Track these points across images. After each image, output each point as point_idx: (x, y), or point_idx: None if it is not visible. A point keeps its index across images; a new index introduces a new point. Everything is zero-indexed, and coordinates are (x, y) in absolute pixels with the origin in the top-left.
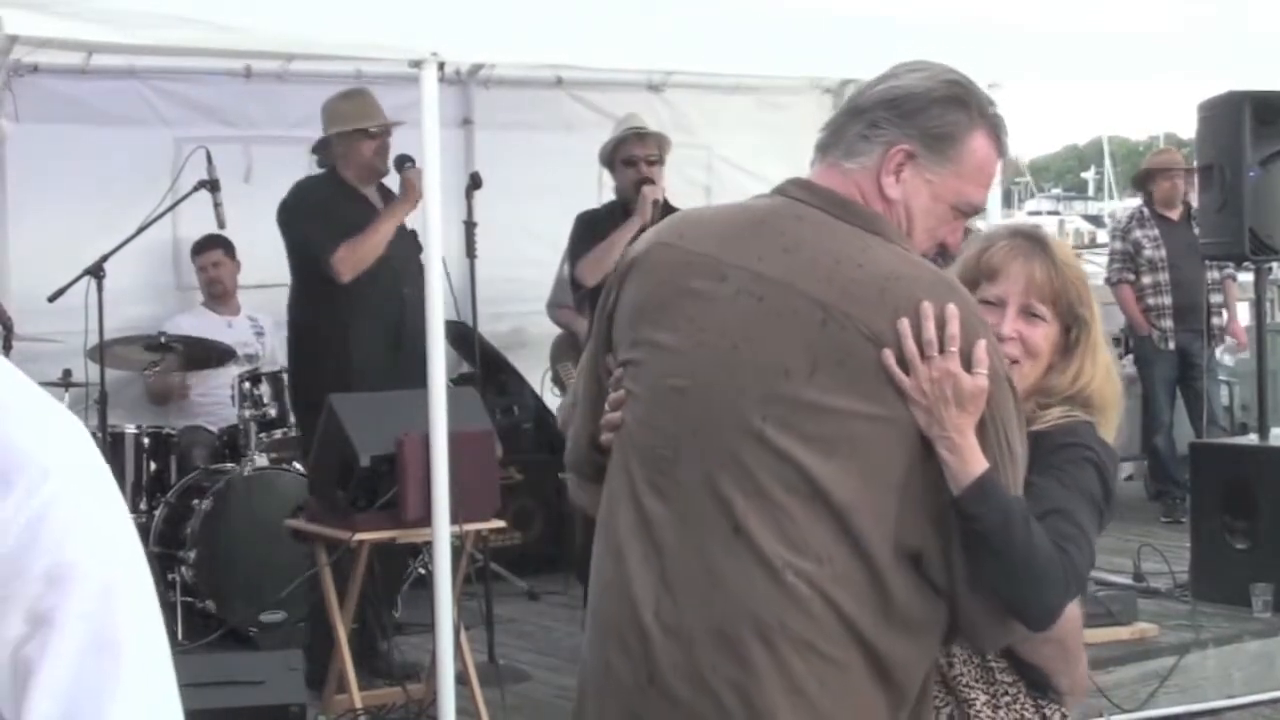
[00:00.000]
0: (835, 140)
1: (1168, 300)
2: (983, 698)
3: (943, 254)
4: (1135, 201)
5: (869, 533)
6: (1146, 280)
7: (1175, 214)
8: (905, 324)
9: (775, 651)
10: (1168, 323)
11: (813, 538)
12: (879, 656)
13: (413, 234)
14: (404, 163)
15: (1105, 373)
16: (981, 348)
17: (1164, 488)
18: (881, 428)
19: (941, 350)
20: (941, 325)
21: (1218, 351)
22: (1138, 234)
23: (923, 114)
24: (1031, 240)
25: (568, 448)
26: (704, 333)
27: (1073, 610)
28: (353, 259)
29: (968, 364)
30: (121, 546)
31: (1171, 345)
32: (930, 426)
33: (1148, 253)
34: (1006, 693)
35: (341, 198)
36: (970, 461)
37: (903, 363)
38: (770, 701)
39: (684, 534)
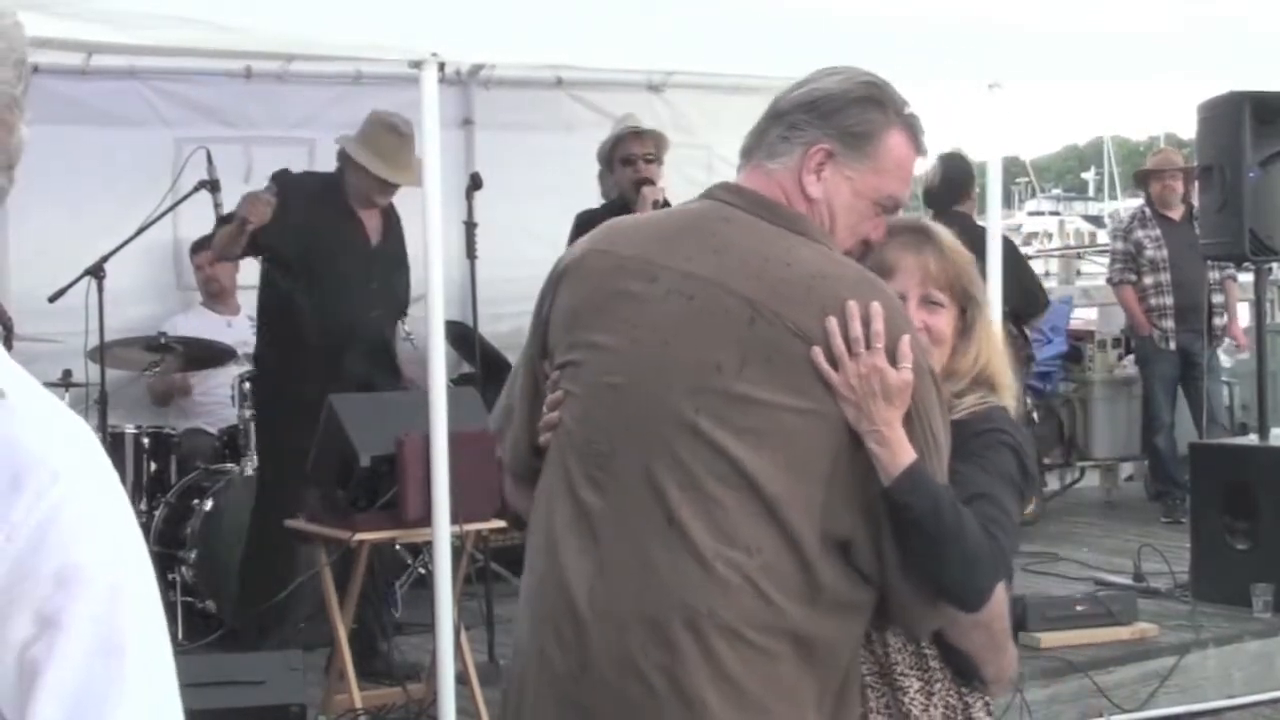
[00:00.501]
0: (757, 144)
1: (1169, 300)
2: (916, 684)
3: (867, 250)
4: (1135, 201)
5: (798, 523)
6: (1148, 280)
7: (1177, 214)
8: (833, 322)
9: (703, 639)
10: (1169, 323)
11: (743, 528)
12: (806, 641)
13: (393, 258)
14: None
15: (999, 348)
16: (905, 343)
17: (1164, 488)
18: (810, 421)
19: (868, 347)
20: (867, 323)
21: (1219, 351)
22: (1139, 234)
23: (840, 114)
24: (918, 233)
25: (505, 452)
26: (637, 331)
27: (998, 596)
28: (218, 248)
29: (893, 359)
30: (128, 549)
31: (1173, 345)
32: (859, 421)
33: (1149, 253)
34: (938, 679)
35: (331, 205)
36: (899, 453)
37: (832, 360)
38: (698, 687)
39: (620, 525)
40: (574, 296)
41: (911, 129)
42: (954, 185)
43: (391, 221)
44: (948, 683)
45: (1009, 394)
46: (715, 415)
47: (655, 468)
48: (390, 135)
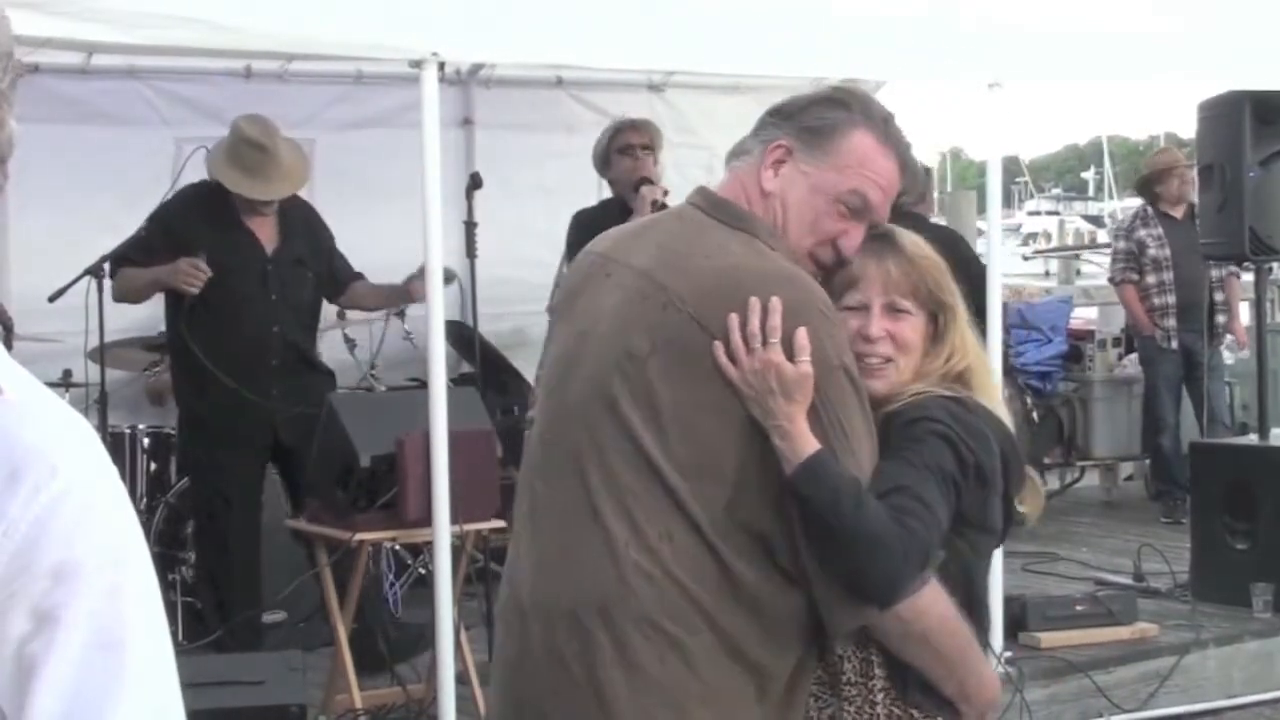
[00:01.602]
0: (736, 150)
1: (1172, 299)
2: (861, 692)
3: (840, 259)
4: (1136, 201)
5: (703, 515)
6: (1151, 279)
7: (1179, 212)
8: (733, 318)
9: (615, 629)
10: (1171, 322)
11: (655, 516)
12: (728, 636)
13: (293, 260)
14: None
15: (976, 348)
16: (802, 334)
17: (1166, 488)
18: (712, 414)
19: (765, 342)
20: (766, 318)
21: (1221, 350)
22: (1141, 233)
23: (801, 113)
24: (881, 240)
25: None
26: (584, 322)
27: (937, 610)
28: (120, 288)
29: (791, 353)
30: (128, 545)
31: (1175, 345)
32: (762, 417)
33: (1152, 252)
34: (881, 690)
35: (218, 215)
36: (800, 444)
37: (732, 355)
38: (609, 677)
39: (553, 515)
40: (559, 295)
41: (880, 131)
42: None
43: (290, 218)
44: (896, 696)
45: (985, 392)
46: (628, 401)
47: (581, 457)
48: (250, 150)
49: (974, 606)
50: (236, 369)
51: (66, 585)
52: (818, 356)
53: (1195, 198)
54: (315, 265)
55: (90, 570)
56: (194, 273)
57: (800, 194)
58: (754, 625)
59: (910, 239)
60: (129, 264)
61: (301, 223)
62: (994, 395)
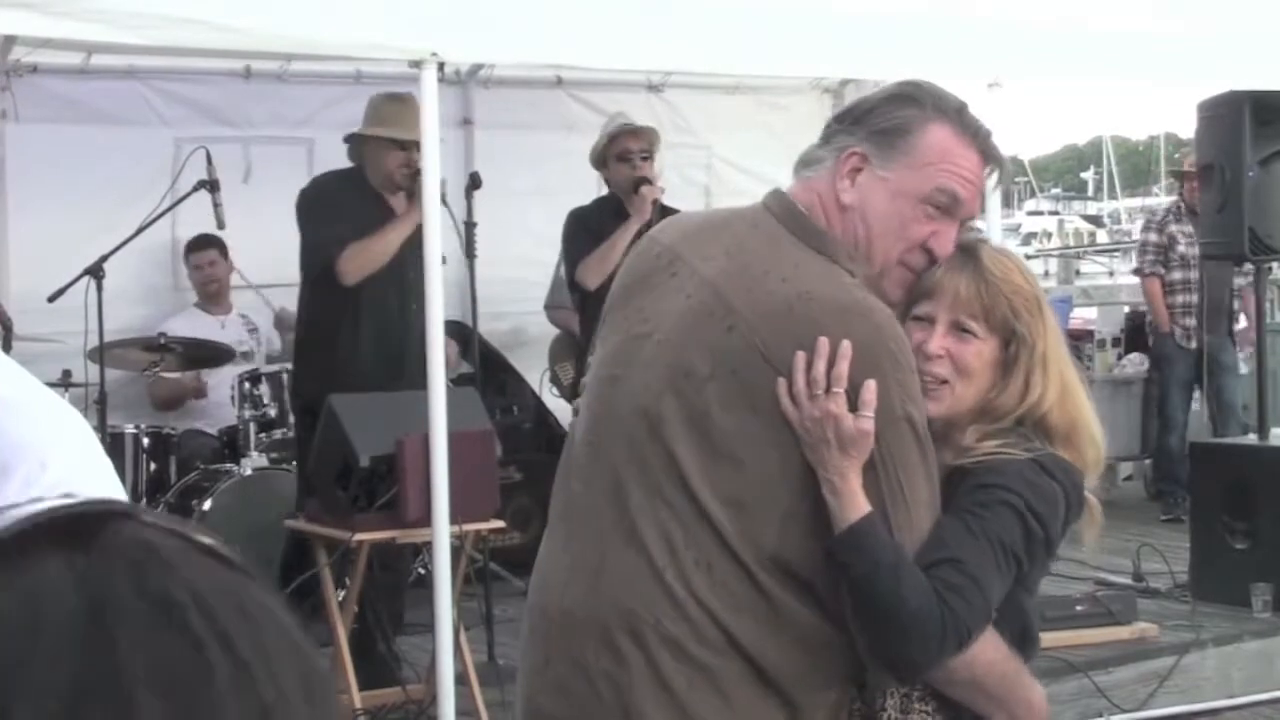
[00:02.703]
0: (804, 161)
1: (1195, 298)
2: None
3: (933, 262)
4: (1136, 201)
5: (745, 549)
6: (1177, 276)
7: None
8: (801, 358)
9: (646, 648)
10: (1191, 321)
11: (696, 541)
12: (762, 666)
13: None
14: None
15: (1062, 391)
16: (870, 389)
17: (1168, 487)
18: (767, 448)
19: (829, 389)
20: (834, 361)
21: (1237, 352)
22: (1174, 228)
23: (871, 115)
24: (965, 253)
25: None
26: (645, 324)
27: (985, 656)
28: (358, 261)
29: (856, 403)
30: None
31: (1194, 344)
32: (816, 465)
33: (1181, 249)
34: None
35: (360, 198)
36: (848, 507)
37: (794, 397)
38: (639, 696)
39: (589, 522)
40: (619, 281)
41: (960, 125)
42: None
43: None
44: None
45: (1072, 445)
46: (680, 422)
47: (624, 467)
48: (390, 103)
49: (1026, 641)
50: (376, 352)
51: None
52: (882, 405)
53: None
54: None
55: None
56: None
57: (882, 202)
58: (791, 655)
59: (995, 257)
60: (353, 242)
61: None
62: (1087, 453)
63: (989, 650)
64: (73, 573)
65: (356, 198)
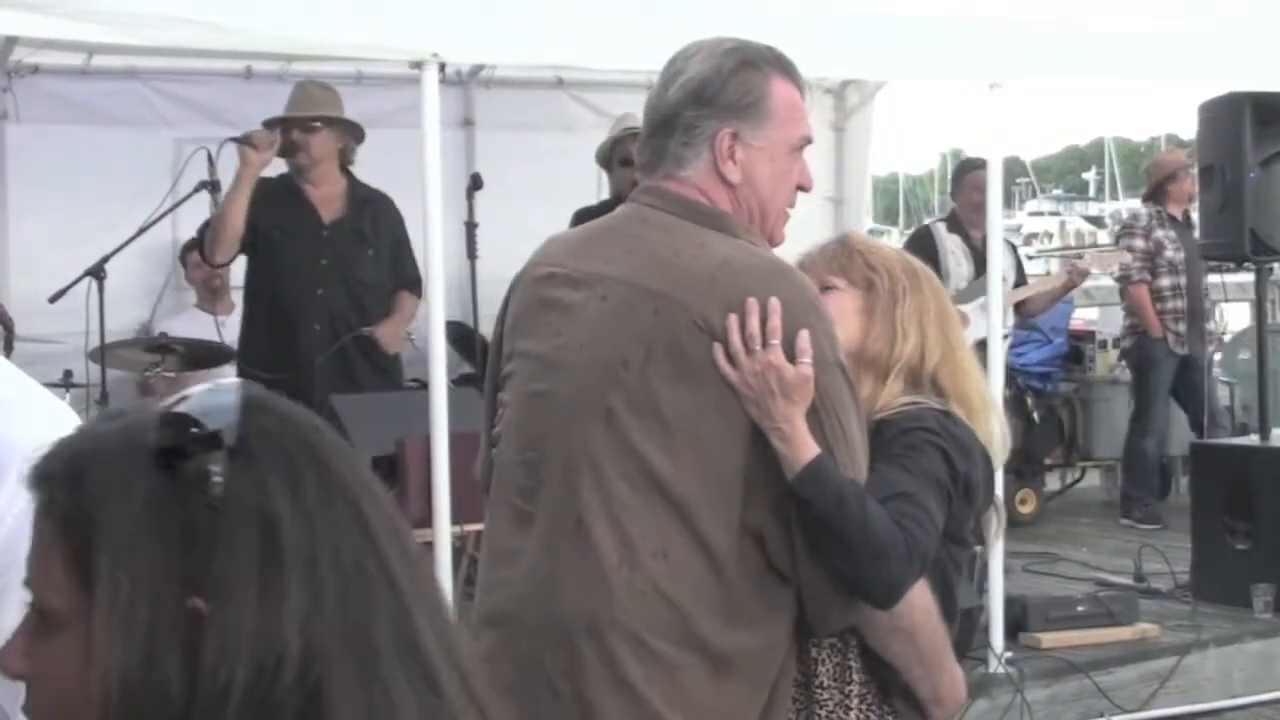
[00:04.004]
0: (659, 159)
1: (1183, 303)
2: (836, 698)
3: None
4: (1137, 202)
5: (708, 522)
6: (1165, 282)
7: (1180, 214)
8: (733, 319)
9: (605, 646)
10: (1183, 327)
11: (651, 532)
12: (717, 653)
13: (350, 235)
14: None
15: (951, 362)
16: (804, 337)
17: (1136, 494)
18: (713, 416)
19: (765, 343)
20: (765, 318)
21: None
22: (1159, 234)
23: (722, 94)
24: (833, 237)
25: (478, 473)
26: (560, 337)
27: (923, 604)
28: (211, 241)
29: (792, 354)
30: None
31: (1184, 350)
32: (760, 418)
33: (1169, 254)
34: (857, 695)
35: (278, 189)
36: (800, 449)
37: (731, 356)
38: (596, 693)
39: (541, 531)
40: (514, 309)
41: (785, 69)
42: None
43: (358, 201)
44: (871, 699)
45: (981, 416)
46: (625, 413)
47: (572, 470)
48: (294, 91)
49: (949, 618)
50: (280, 329)
51: None
52: (816, 354)
53: (1193, 199)
54: (378, 244)
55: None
56: (262, 136)
57: (765, 168)
58: (748, 641)
59: (864, 238)
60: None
61: (371, 205)
62: (985, 414)
63: (926, 598)
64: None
65: (278, 189)
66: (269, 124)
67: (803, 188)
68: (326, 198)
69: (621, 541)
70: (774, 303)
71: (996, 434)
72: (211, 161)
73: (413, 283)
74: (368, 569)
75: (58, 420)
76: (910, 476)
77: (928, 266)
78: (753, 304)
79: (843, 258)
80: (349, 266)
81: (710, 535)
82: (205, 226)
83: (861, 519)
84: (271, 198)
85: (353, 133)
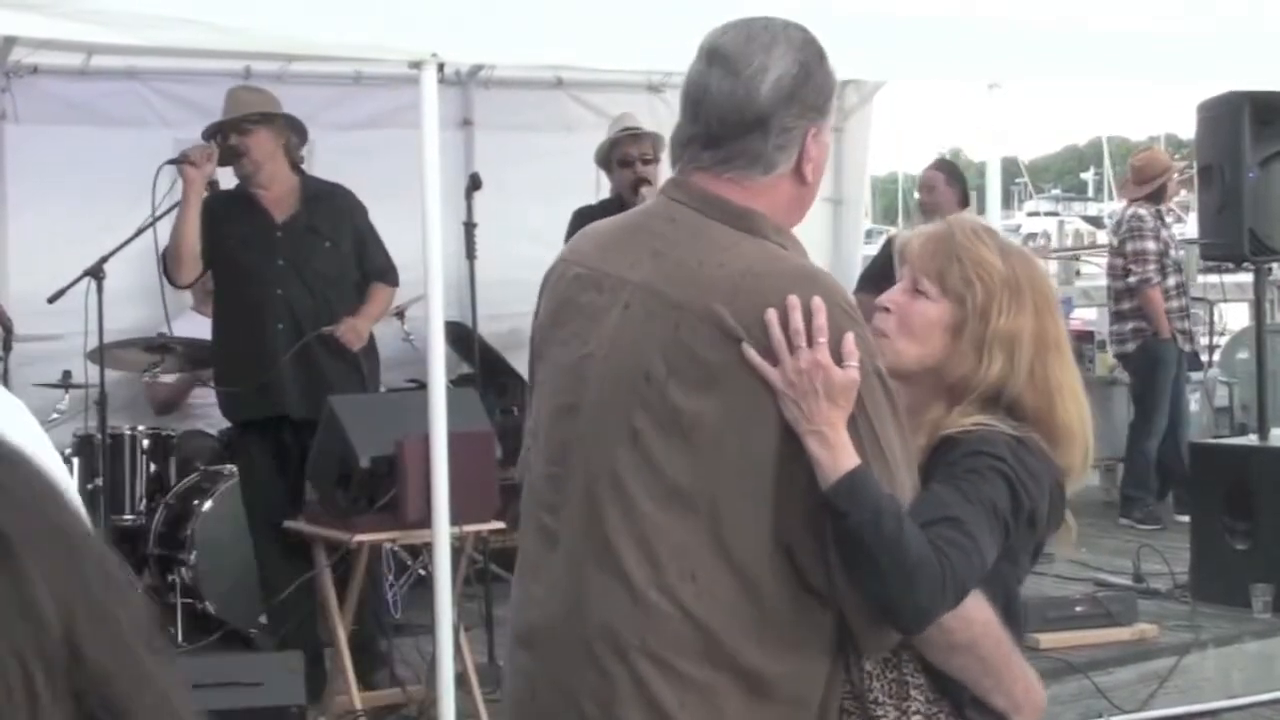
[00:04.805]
0: (739, 158)
1: (1185, 302)
2: (892, 715)
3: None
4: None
5: (739, 538)
6: (1171, 281)
7: (1165, 212)
8: (772, 314)
9: (633, 668)
10: (1187, 324)
11: (680, 552)
12: (753, 676)
13: (304, 232)
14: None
15: (1040, 382)
16: (850, 340)
17: (1136, 494)
18: (740, 426)
19: (810, 342)
20: (809, 317)
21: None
22: (1164, 234)
23: (811, 90)
24: (941, 223)
25: (519, 471)
26: (585, 346)
27: (981, 616)
28: (170, 264)
29: (837, 357)
30: (72, 535)
31: (1190, 348)
32: (799, 421)
33: (1173, 253)
34: (919, 711)
35: (230, 200)
36: (840, 457)
37: (767, 355)
38: (626, 711)
39: (565, 549)
40: (544, 311)
41: (816, 45)
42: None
43: (310, 197)
44: (941, 716)
45: (1064, 446)
46: (651, 430)
47: (596, 489)
48: (225, 98)
49: (1010, 618)
50: (246, 336)
51: None
52: (860, 363)
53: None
54: (335, 237)
55: None
56: (198, 151)
57: (822, 162)
58: (780, 657)
59: (971, 227)
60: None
61: (329, 199)
62: (1060, 440)
63: (984, 609)
64: None
65: (230, 200)
66: (206, 134)
67: None
68: (277, 198)
69: (649, 563)
70: (818, 301)
71: (1077, 466)
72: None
73: (383, 272)
74: None
75: (14, 423)
76: (965, 501)
77: (1043, 275)
78: (795, 300)
79: (943, 260)
80: (305, 263)
81: (742, 555)
82: (165, 251)
83: (896, 539)
84: (223, 209)
85: (293, 127)
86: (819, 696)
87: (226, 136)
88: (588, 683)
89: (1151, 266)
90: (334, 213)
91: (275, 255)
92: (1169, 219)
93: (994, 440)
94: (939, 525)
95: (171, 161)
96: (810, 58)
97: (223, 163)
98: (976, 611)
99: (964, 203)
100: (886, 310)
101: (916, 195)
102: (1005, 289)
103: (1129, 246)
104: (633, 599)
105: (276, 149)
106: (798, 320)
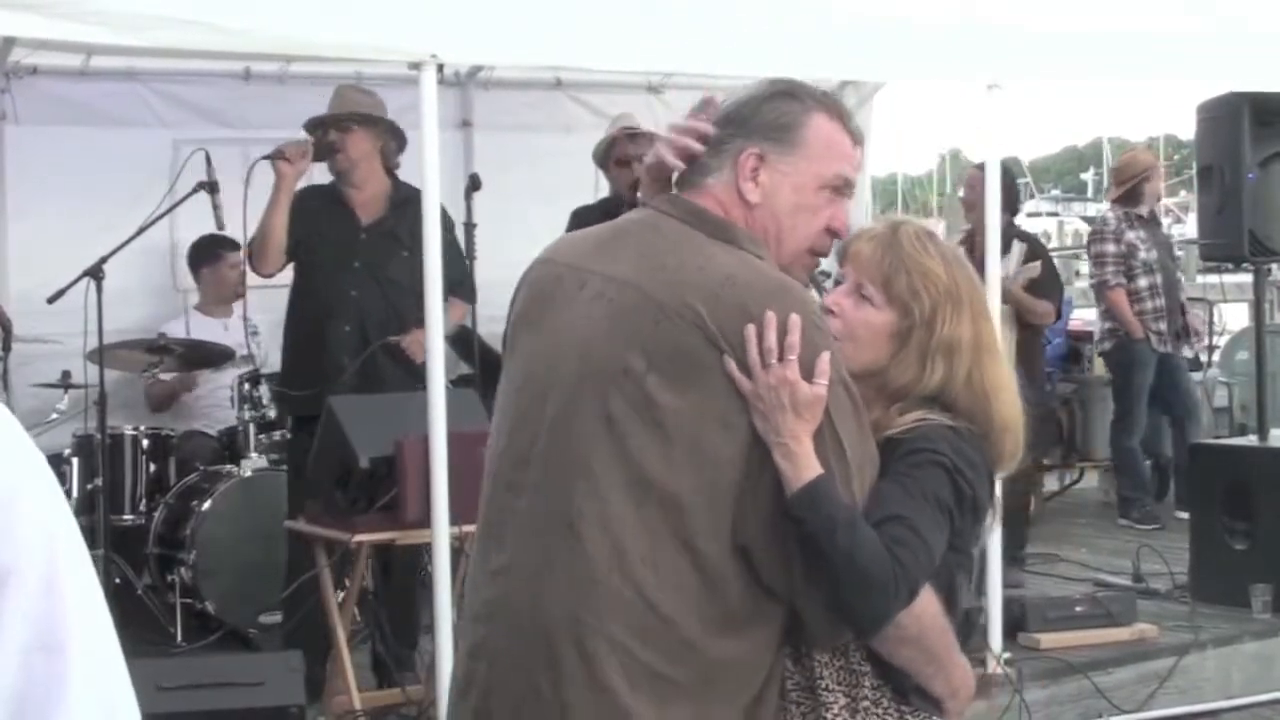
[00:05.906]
0: (690, 170)
1: (1162, 302)
2: (842, 700)
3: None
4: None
5: (702, 532)
6: (1143, 282)
7: (1146, 213)
8: (750, 330)
9: (587, 649)
10: (1163, 325)
11: (643, 541)
12: (705, 662)
13: (385, 236)
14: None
15: (976, 383)
16: (825, 359)
17: (1133, 495)
18: (714, 426)
19: (781, 358)
20: (784, 333)
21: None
22: (1130, 236)
23: (756, 115)
24: (887, 226)
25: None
26: (559, 335)
27: (930, 609)
28: (256, 254)
29: (809, 373)
30: (61, 541)
31: (1167, 348)
32: (767, 432)
33: (1142, 255)
34: (867, 697)
35: (318, 195)
36: (803, 468)
37: (744, 367)
38: (576, 696)
39: (528, 531)
40: (520, 306)
41: (832, 109)
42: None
43: (398, 202)
44: (885, 702)
45: (993, 437)
46: (623, 419)
47: (565, 473)
48: (333, 95)
49: (951, 605)
50: (310, 329)
51: None
52: (830, 377)
53: (1161, 198)
54: (414, 246)
55: (21, 569)
56: (293, 147)
57: (787, 195)
58: (734, 646)
59: (916, 233)
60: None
61: (412, 205)
62: (992, 432)
63: (931, 602)
64: None
65: (318, 196)
66: (308, 126)
67: (834, 231)
68: (367, 200)
69: (612, 548)
70: (794, 319)
71: (1006, 455)
72: (209, 162)
73: (456, 286)
74: None
75: None
76: (909, 498)
77: (977, 280)
78: (771, 318)
79: (889, 268)
80: (381, 268)
81: (703, 546)
82: (251, 241)
83: (849, 549)
84: (312, 206)
85: (393, 133)
86: (760, 681)
87: (327, 132)
88: (540, 661)
89: (1109, 269)
90: (416, 220)
91: (354, 257)
92: (1165, 219)
93: (932, 435)
94: (887, 524)
95: (266, 157)
96: (765, 90)
97: (318, 158)
98: (925, 605)
99: (1009, 203)
100: (831, 313)
101: (960, 192)
102: (948, 300)
103: (1092, 249)
104: (594, 582)
105: (373, 151)
106: (771, 339)
